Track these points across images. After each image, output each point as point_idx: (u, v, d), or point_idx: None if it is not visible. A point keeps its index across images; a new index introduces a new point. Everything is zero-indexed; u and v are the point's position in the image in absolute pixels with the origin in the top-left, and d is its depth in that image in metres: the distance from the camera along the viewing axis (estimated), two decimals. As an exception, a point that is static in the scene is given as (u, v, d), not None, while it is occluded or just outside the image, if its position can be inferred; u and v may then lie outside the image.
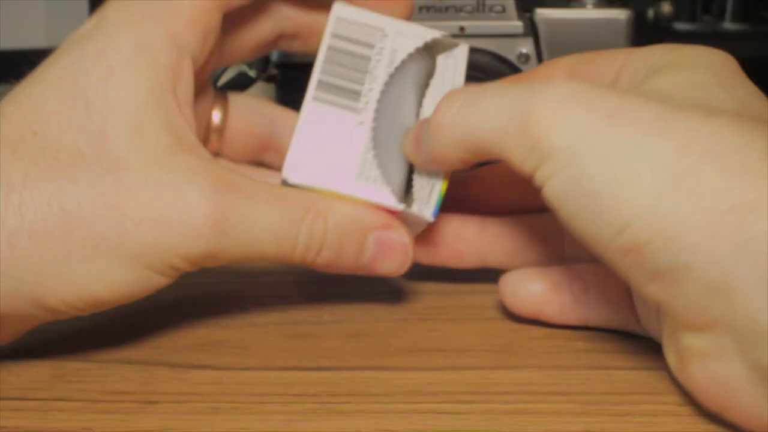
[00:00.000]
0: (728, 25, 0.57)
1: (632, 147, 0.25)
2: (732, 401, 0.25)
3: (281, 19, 0.35)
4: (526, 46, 0.44)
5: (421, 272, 0.38)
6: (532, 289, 0.32)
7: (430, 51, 0.34)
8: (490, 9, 0.45)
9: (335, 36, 0.33)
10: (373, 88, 0.33)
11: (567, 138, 0.25)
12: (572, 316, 0.32)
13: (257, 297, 0.36)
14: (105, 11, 0.31)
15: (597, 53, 0.32)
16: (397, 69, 0.33)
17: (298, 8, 0.35)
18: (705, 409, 0.26)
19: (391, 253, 0.32)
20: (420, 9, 0.45)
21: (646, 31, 0.50)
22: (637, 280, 0.25)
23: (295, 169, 0.31)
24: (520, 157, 0.27)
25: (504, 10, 0.45)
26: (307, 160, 0.32)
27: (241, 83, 0.50)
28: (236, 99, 0.38)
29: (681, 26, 0.57)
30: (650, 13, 0.58)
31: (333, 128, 0.32)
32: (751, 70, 0.56)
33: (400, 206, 0.31)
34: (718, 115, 0.25)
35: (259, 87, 0.52)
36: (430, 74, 0.34)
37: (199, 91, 0.33)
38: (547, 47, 0.46)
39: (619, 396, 0.28)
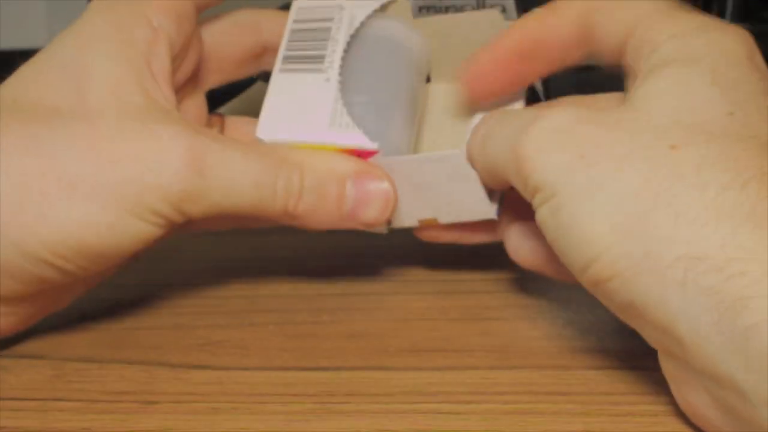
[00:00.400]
0: (728, 25, 0.57)
1: (600, 187, 0.26)
2: (705, 423, 0.25)
3: (262, 33, 0.36)
4: (526, 46, 0.44)
5: (421, 272, 0.38)
6: (536, 244, 0.33)
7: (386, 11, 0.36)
8: (491, 8, 0.44)
9: (296, 21, 0.35)
10: (335, 50, 0.34)
11: (547, 175, 0.27)
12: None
13: (257, 297, 0.36)
14: (90, 1, 0.32)
15: (616, 4, 0.31)
16: (357, 30, 0.34)
17: (278, 23, 0.36)
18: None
19: (372, 199, 0.32)
20: (420, 9, 0.45)
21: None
22: (608, 307, 0.27)
23: (267, 127, 0.33)
24: (521, 188, 0.28)
25: (504, 10, 0.44)
26: (279, 117, 0.33)
27: (240, 83, 0.50)
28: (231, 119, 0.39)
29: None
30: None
31: (301, 88, 0.33)
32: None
33: (374, 145, 0.32)
34: (686, 147, 0.25)
35: (259, 87, 0.52)
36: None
37: (188, 89, 0.35)
38: (547, 47, 0.45)
39: (619, 396, 0.28)
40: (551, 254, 0.30)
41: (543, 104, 0.32)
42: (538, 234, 0.29)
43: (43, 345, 0.32)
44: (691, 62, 0.28)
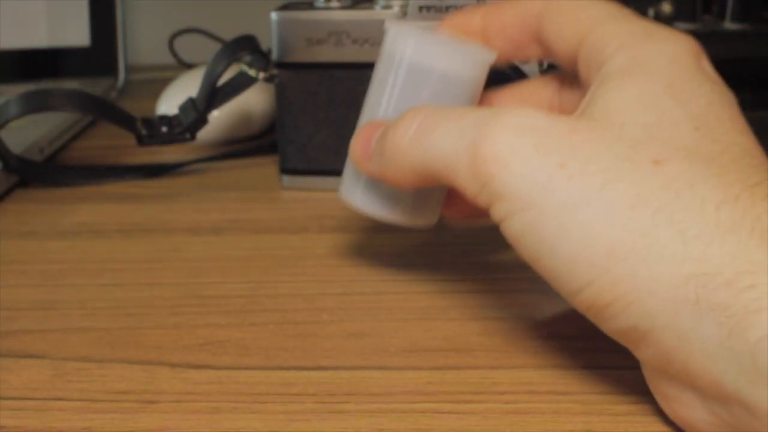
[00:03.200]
0: (728, 25, 0.57)
1: (587, 202, 0.24)
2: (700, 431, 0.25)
3: None
4: (526, 46, 0.44)
5: (421, 272, 0.38)
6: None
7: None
8: (490, 9, 0.44)
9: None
10: None
11: (519, 183, 0.25)
12: None
13: (257, 297, 0.36)
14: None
15: (570, 9, 0.31)
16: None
17: None
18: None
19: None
20: (420, 9, 0.45)
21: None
22: (601, 328, 0.26)
23: None
24: (472, 192, 0.26)
25: (504, 10, 0.44)
26: None
27: (241, 83, 0.50)
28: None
29: (681, 26, 0.57)
30: (650, 12, 0.58)
31: None
32: (751, 70, 0.56)
33: None
34: (669, 162, 0.24)
35: (259, 86, 0.52)
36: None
37: None
38: (547, 47, 0.46)
39: (619, 396, 0.28)
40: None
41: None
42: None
43: (43, 345, 0.32)
44: (648, 74, 0.27)
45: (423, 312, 0.34)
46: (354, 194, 0.34)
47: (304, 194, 0.48)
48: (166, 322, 0.34)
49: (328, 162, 0.48)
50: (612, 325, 0.25)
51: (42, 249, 0.41)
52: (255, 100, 0.57)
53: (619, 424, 0.27)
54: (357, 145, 0.32)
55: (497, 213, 0.26)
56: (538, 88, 0.34)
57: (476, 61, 0.33)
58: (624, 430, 0.26)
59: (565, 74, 0.33)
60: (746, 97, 0.56)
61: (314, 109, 0.48)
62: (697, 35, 0.59)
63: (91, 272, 0.39)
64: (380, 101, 0.33)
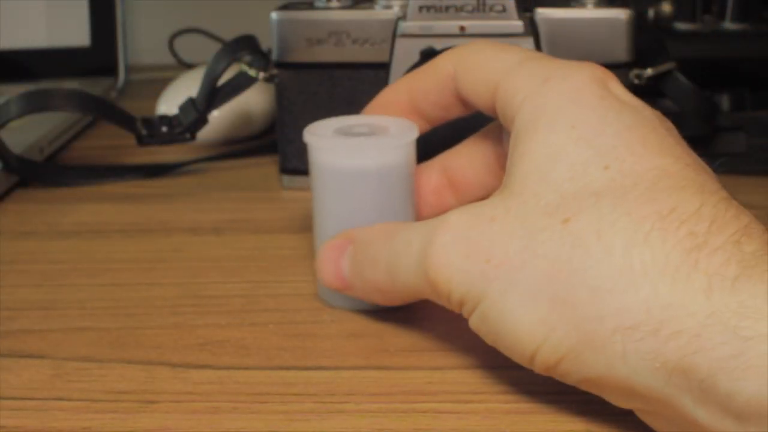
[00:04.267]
0: (728, 25, 0.57)
1: (514, 284, 0.26)
2: None
3: None
4: (526, 46, 0.44)
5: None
6: None
7: None
8: (491, 8, 0.45)
9: None
10: None
11: (465, 288, 0.27)
12: None
13: (257, 297, 0.36)
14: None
15: (479, 63, 0.32)
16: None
17: None
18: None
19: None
20: (420, 9, 0.45)
21: (646, 31, 0.50)
22: (568, 383, 0.26)
23: None
24: (447, 305, 0.29)
25: (504, 10, 0.45)
26: None
27: (241, 83, 0.50)
28: None
29: (681, 26, 0.57)
30: (650, 12, 0.58)
31: None
32: (751, 70, 0.56)
33: None
34: (577, 217, 0.25)
35: (259, 86, 0.52)
36: None
37: None
38: (547, 47, 0.46)
39: (619, 396, 0.28)
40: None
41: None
42: None
43: (43, 344, 0.32)
44: (551, 123, 0.28)
45: (423, 312, 0.34)
46: (336, 297, 0.35)
47: (304, 194, 0.48)
48: (166, 322, 0.34)
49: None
50: (570, 379, 0.26)
51: (42, 249, 0.41)
52: (255, 100, 0.57)
53: (619, 424, 0.27)
54: (327, 274, 0.33)
55: (465, 315, 0.28)
56: (486, 140, 0.35)
57: (392, 149, 0.34)
58: (624, 430, 0.26)
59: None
60: (746, 97, 0.56)
61: (314, 109, 0.48)
62: (697, 35, 0.59)
63: (91, 272, 0.39)
64: (324, 212, 0.34)
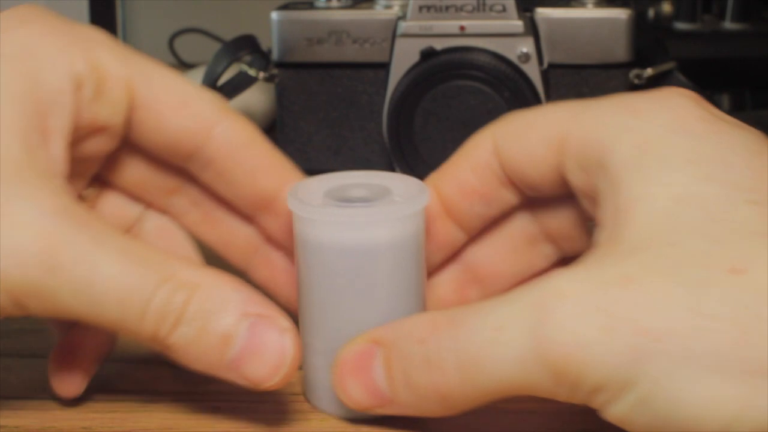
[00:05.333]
0: (728, 25, 0.57)
1: (682, 360, 0.21)
2: None
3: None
4: (526, 46, 0.44)
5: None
6: None
7: None
8: (491, 8, 0.45)
9: None
10: None
11: (607, 371, 0.22)
12: None
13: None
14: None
15: (528, 123, 0.27)
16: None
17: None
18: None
19: (263, 351, 0.25)
20: (420, 8, 0.45)
21: (646, 31, 0.50)
22: None
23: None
24: (563, 396, 0.23)
25: (504, 10, 0.45)
26: None
27: (241, 83, 0.50)
28: None
29: (681, 26, 0.57)
30: (650, 12, 0.58)
31: None
32: (751, 70, 0.56)
33: None
34: (753, 269, 0.21)
35: (259, 87, 0.52)
36: None
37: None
38: (547, 47, 0.46)
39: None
40: None
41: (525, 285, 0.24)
42: None
43: (43, 344, 0.32)
44: (663, 158, 0.24)
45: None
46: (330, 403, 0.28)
47: (304, 194, 0.48)
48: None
49: (328, 162, 0.48)
50: None
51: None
52: (255, 100, 0.57)
53: (619, 423, 0.27)
54: (354, 392, 0.26)
55: (595, 404, 0.23)
56: (508, 222, 0.30)
57: (403, 218, 0.27)
58: (623, 430, 0.26)
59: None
60: (746, 97, 0.56)
61: (314, 109, 0.48)
62: (697, 35, 0.59)
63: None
64: (317, 299, 0.28)
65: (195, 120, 0.29)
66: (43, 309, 0.24)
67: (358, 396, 0.26)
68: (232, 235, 0.31)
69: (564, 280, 0.23)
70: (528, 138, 0.27)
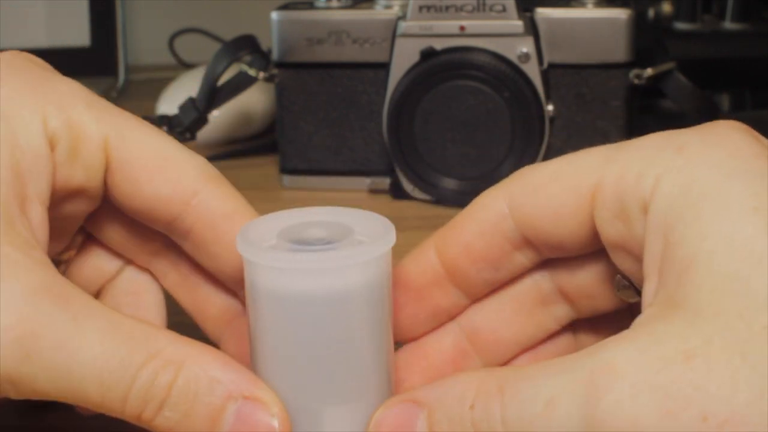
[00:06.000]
0: (728, 25, 0.57)
1: None
2: None
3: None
4: (526, 46, 0.44)
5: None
6: None
7: None
8: (491, 8, 0.45)
9: None
10: None
11: None
12: None
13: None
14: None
15: (549, 176, 0.25)
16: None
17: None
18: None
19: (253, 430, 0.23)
20: (420, 8, 0.45)
21: (646, 31, 0.51)
22: None
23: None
24: None
25: (504, 10, 0.45)
26: None
27: (241, 83, 0.50)
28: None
29: (681, 26, 0.57)
30: (650, 12, 0.58)
31: None
32: (751, 70, 0.56)
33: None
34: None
35: (259, 86, 0.52)
36: None
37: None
38: (547, 46, 0.46)
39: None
40: None
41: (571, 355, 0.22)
42: None
43: (43, 344, 0.32)
44: (719, 205, 0.21)
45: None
46: None
47: (304, 194, 0.48)
48: (167, 322, 0.34)
49: (328, 162, 0.48)
50: None
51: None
52: (255, 100, 0.57)
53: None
54: None
55: None
56: (517, 284, 0.27)
57: (367, 263, 0.24)
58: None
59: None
60: (746, 97, 0.56)
61: (314, 109, 0.48)
62: (697, 35, 0.59)
63: (91, 272, 0.38)
64: (270, 352, 0.24)
65: (172, 187, 0.27)
66: (20, 394, 0.23)
67: None
68: (208, 302, 0.29)
69: (618, 353, 0.20)
70: (551, 192, 0.24)
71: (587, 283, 0.26)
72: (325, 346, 0.24)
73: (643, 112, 0.51)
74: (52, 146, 0.26)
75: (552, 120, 0.46)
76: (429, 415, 0.23)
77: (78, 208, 0.27)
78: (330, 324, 0.24)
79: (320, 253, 0.24)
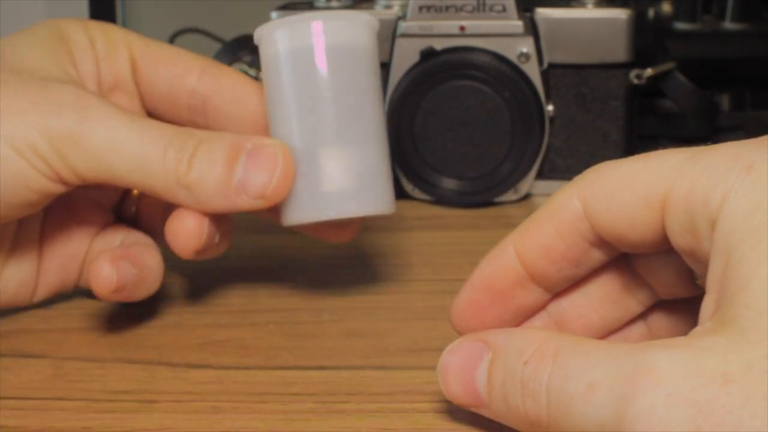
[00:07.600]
0: (728, 25, 0.57)
1: None
2: None
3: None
4: (526, 46, 0.44)
5: (422, 272, 0.38)
6: None
7: None
8: (491, 8, 0.45)
9: None
10: None
11: None
12: None
13: (257, 296, 0.36)
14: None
15: (621, 181, 0.25)
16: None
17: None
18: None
19: (262, 161, 0.31)
20: (420, 8, 0.45)
21: (646, 31, 0.51)
22: None
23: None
24: None
25: (504, 10, 0.45)
26: None
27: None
28: None
29: (681, 26, 0.57)
30: (650, 12, 0.58)
31: None
32: (751, 70, 0.56)
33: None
34: None
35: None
36: None
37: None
38: (547, 46, 0.46)
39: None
40: None
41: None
42: None
43: (43, 344, 0.32)
44: None
45: (423, 312, 0.34)
46: (302, 211, 0.32)
47: (304, 194, 0.48)
48: (166, 322, 0.34)
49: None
50: None
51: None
52: (255, 100, 0.57)
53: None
54: (455, 388, 0.26)
55: None
56: (606, 271, 0.28)
57: (360, 24, 0.32)
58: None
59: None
60: (746, 97, 0.56)
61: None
62: (697, 35, 0.59)
63: (91, 272, 0.39)
64: (284, 105, 0.32)
65: (183, 65, 0.36)
66: (78, 159, 0.30)
67: (458, 394, 0.26)
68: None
69: (663, 358, 0.21)
70: (623, 198, 0.25)
71: (666, 274, 0.27)
72: (338, 93, 0.31)
73: (643, 112, 0.51)
74: (92, 45, 0.35)
75: (552, 120, 0.46)
76: (492, 360, 0.25)
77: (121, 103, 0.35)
78: (338, 72, 0.31)
79: (333, 11, 0.33)
